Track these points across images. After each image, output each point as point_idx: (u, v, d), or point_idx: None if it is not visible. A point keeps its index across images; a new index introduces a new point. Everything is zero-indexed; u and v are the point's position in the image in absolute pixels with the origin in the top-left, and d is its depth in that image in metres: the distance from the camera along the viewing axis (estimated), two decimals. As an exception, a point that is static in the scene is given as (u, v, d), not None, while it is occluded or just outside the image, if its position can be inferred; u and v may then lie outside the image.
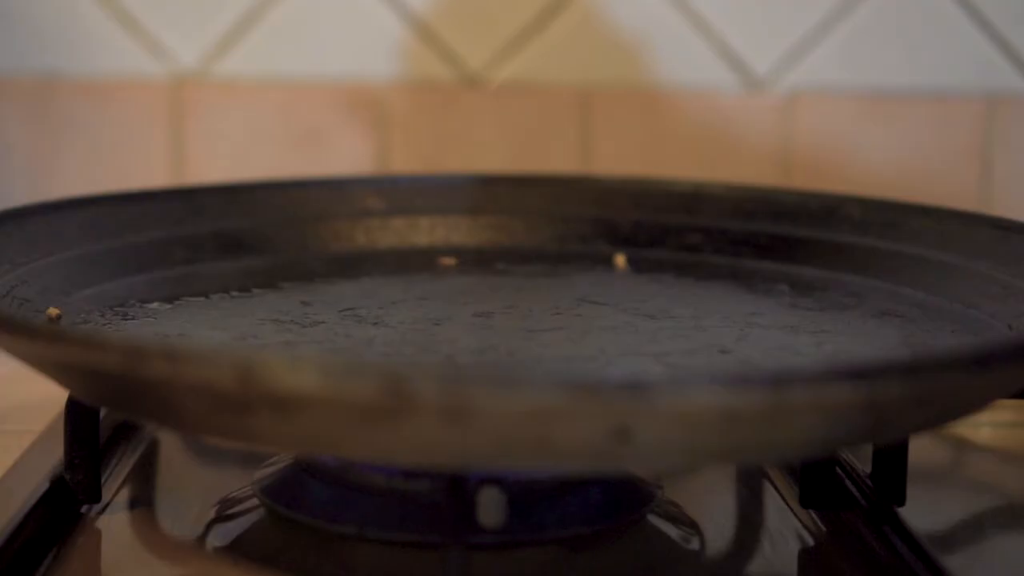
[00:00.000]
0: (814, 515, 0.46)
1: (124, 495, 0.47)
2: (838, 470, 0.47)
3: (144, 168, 0.76)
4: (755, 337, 0.49)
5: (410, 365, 0.42)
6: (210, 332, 0.49)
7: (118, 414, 0.51)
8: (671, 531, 0.45)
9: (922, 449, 0.49)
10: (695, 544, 0.45)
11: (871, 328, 0.51)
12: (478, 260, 0.61)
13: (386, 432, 0.34)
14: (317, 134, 0.76)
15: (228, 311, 0.52)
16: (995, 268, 0.52)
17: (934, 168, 0.77)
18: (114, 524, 0.45)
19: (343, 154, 0.76)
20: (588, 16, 0.77)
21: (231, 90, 0.76)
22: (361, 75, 0.76)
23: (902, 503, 0.45)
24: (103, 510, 0.46)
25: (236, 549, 0.44)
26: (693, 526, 0.46)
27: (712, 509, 0.48)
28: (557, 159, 0.77)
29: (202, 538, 0.44)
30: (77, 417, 0.45)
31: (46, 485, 0.45)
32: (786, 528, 0.46)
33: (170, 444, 0.53)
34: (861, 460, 0.47)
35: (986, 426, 0.57)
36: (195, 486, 0.49)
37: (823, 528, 0.46)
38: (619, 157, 0.77)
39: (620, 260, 0.61)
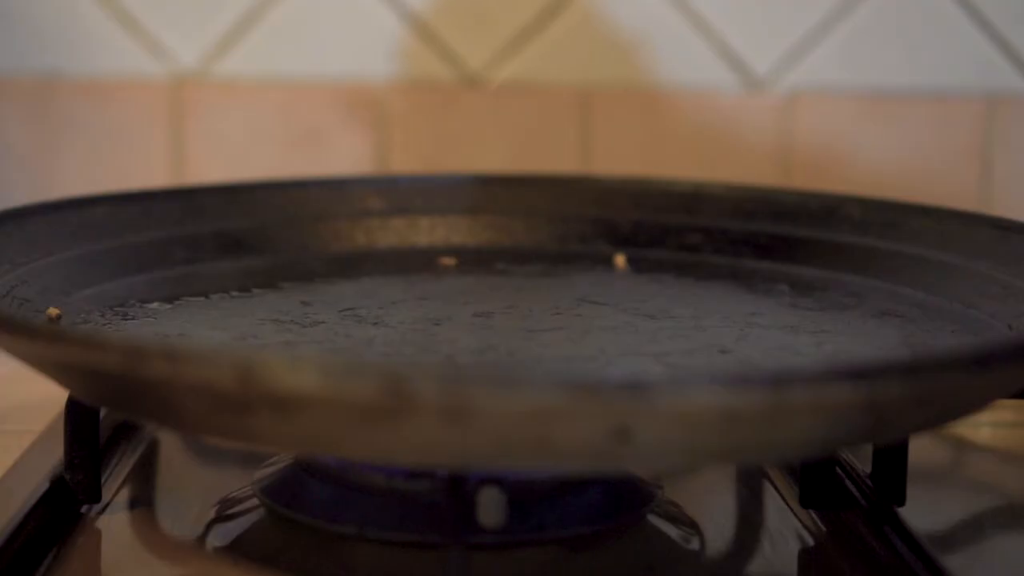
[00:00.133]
0: (814, 515, 0.46)
1: (124, 495, 0.47)
2: (838, 470, 0.47)
3: (144, 168, 0.76)
4: (755, 337, 0.49)
5: (410, 365, 0.42)
6: (210, 332, 0.49)
7: (118, 414, 0.51)
8: (671, 531, 0.45)
9: (922, 449, 0.49)
10: (695, 544, 0.45)
11: (871, 328, 0.51)
12: (478, 260, 0.61)
13: (386, 432, 0.34)
14: (317, 134, 0.76)
15: (228, 311, 0.52)
16: (995, 268, 0.52)
17: (934, 168, 0.77)
18: (114, 524, 0.45)
19: (343, 154, 0.76)
20: (588, 16, 0.77)
21: (231, 90, 0.76)
22: (361, 75, 0.76)
23: (902, 503, 0.45)
24: (103, 510, 0.46)
25: (236, 549, 0.44)
26: (693, 526, 0.46)
27: (712, 509, 0.48)
28: (557, 159, 0.77)
29: (202, 538, 0.44)
30: (77, 417, 0.45)
31: (46, 485, 0.45)
32: (786, 528, 0.46)
33: (170, 444, 0.53)
34: (861, 460, 0.47)
35: (986, 426, 0.57)
36: (195, 486, 0.49)
37: (823, 528, 0.46)
38: (619, 157, 0.77)
39: (620, 260, 0.60)
